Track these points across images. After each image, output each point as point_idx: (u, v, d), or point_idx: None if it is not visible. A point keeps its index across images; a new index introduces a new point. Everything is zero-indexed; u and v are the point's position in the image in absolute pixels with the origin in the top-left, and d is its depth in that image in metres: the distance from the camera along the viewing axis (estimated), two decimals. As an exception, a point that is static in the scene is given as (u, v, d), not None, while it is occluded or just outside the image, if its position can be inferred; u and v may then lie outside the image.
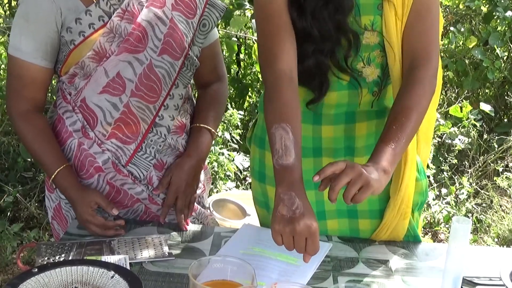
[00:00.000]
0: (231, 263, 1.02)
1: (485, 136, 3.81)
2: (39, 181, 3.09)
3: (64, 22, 1.40)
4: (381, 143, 1.21)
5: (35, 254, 1.40)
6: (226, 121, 3.36)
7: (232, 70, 4.04)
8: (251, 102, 4.03)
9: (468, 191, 3.42)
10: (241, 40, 3.93)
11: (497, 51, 3.73)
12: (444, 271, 1.16)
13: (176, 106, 1.53)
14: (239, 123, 3.49)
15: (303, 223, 1.09)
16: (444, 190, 3.48)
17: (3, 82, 3.25)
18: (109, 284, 1.12)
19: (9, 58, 1.44)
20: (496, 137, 3.72)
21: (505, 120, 4.17)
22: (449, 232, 1.20)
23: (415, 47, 1.31)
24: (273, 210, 1.13)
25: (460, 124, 3.62)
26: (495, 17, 3.83)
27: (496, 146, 3.66)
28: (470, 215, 3.31)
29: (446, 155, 3.66)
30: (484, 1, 3.89)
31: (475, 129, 3.63)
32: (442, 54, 4.00)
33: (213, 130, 1.60)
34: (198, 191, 1.63)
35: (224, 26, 3.47)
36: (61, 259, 1.27)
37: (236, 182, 3.46)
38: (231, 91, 3.82)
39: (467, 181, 3.50)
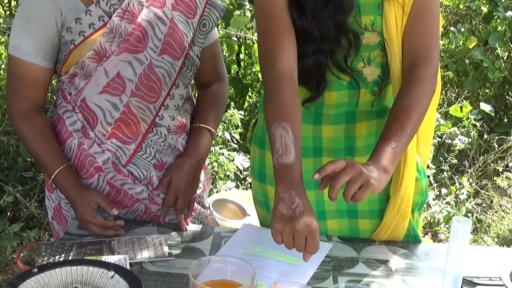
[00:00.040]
0: (231, 263, 1.02)
1: (485, 136, 3.81)
2: (39, 181, 3.09)
3: (64, 22, 1.40)
4: (381, 143, 1.21)
5: (35, 254, 1.40)
6: (226, 121, 3.36)
7: (232, 70, 4.04)
8: (251, 102, 4.03)
9: (468, 191, 3.42)
10: (241, 40, 3.93)
11: (498, 51, 3.73)
12: (444, 271, 1.16)
13: (177, 106, 1.53)
14: (239, 123, 3.49)
15: (303, 221, 1.09)
16: (444, 190, 3.48)
17: (3, 82, 3.25)
18: (109, 284, 1.12)
19: (9, 58, 1.44)
20: (496, 137, 3.72)
21: (505, 120, 4.17)
22: (449, 232, 1.20)
23: (416, 47, 1.31)
24: (273, 209, 1.13)
25: (460, 124, 3.62)
26: (495, 17, 3.83)
27: (496, 146, 3.66)
28: (470, 215, 3.31)
29: (446, 155, 3.66)
30: (484, 1, 3.89)
31: (475, 129, 3.63)
32: (442, 54, 4.00)
33: (213, 130, 1.60)
34: (198, 191, 1.63)
35: (224, 26, 3.47)
36: (61, 259, 1.27)
37: (236, 182, 3.46)
38: (231, 91, 3.82)
39: (467, 181, 3.51)
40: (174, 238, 1.43)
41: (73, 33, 1.40)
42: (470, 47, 3.95)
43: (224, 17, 2.94)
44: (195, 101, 1.68)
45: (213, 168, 3.18)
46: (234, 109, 3.53)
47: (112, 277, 1.13)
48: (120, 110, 1.45)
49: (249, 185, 3.44)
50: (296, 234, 1.10)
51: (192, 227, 1.49)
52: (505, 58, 3.98)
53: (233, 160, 3.31)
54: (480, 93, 4.30)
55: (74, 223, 1.48)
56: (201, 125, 1.59)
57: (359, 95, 1.38)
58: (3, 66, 3.63)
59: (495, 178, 3.54)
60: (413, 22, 1.30)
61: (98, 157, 1.46)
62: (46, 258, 1.28)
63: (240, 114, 3.49)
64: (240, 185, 3.49)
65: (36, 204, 3.02)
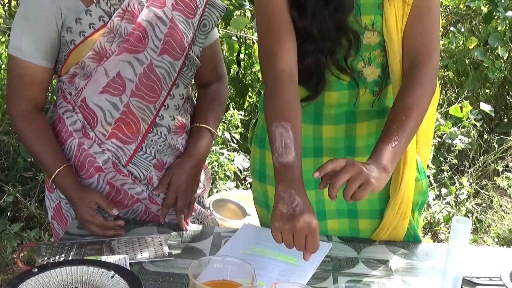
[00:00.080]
0: (231, 263, 1.02)
1: (485, 136, 3.81)
2: (39, 181, 3.09)
3: (65, 22, 1.40)
4: (381, 142, 1.22)
5: (35, 254, 1.40)
6: (226, 121, 3.36)
7: (232, 70, 4.04)
8: (251, 102, 4.03)
9: (468, 191, 3.42)
10: (241, 40, 3.93)
11: (498, 50, 3.73)
12: (444, 271, 1.16)
13: (177, 106, 1.53)
14: (239, 123, 3.49)
15: (303, 220, 1.09)
16: (444, 190, 3.48)
17: (3, 82, 3.25)
18: (109, 284, 1.12)
19: (9, 58, 1.44)
20: (496, 137, 3.72)
21: (505, 120, 4.17)
22: (449, 232, 1.20)
23: (416, 47, 1.31)
24: (273, 207, 1.13)
25: (460, 124, 3.62)
26: (495, 17, 3.83)
27: (496, 146, 3.66)
28: (470, 215, 3.31)
29: (446, 155, 3.66)
30: (484, 1, 3.89)
31: (475, 129, 3.63)
32: (442, 54, 4.00)
33: (213, 130, 1.60)
34: (198, 191, 1.63)
35: (224, 26, 3.47)
36: (61, 259, 1.27)
37: (236, 182, 3.46)
38: (231, 91, 3.82)
39: (467, 181, 3.51)
40: (174, 238, 1.43)
41: (73, 33, 1.40)
42: (470, 47, 3.95)
43: (224, 17, 2.94)
44: (195, 101, 1.68)
45: (213, 168, 3.18)
46: (234, 109, 3.53)
47: (112, 277, 1.13)
48: (120, 110, 1.45)
49: (249, 185, 3.44)
50: (296, 233, 1.10)
51: (192, 227, 1.49)
52: (505, 58, 3.98)
53: (232, 160, 3.31)
54: (480, 93, 4.30)
55: (74, 223, 1.48)
56: (201, 125, 1.59)
57: (359, 95, 1.38)
58: (3, 66, 3.63)
59: (495, 178, 3.55)
60: (413, 22, 1.30)
61: (98, 157, 1.46)
62: (46, 258, 1.28)
63: (240, 114, 3.49)
64: (240, 185, 3.49)
65: (36, 204, 3.02)
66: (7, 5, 3.68)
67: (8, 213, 3.00)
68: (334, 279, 1.26)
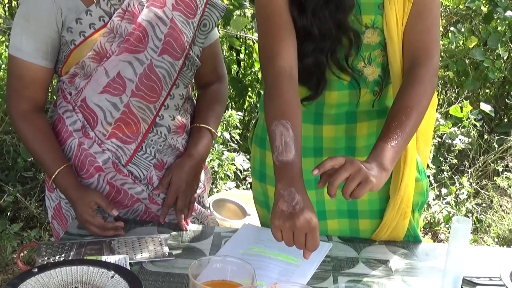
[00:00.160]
0: (231, 263, 1.02)
1: (485, 136, 3.81)
2: (39, 180, 3.09)
3: (65, 22, 1.40)
4: (381, 141, 1.22)
5: (35, 254, 1.40)
6: (225, 122, 3.36)
7: (232, 70, 4.05)
8: (251, 102, 4.03)
9: (468, 191, 3.42)
10: (241, 40, 3.93)
11: (499, 50, 3.73)
12: (444, 271, 1.16)
13: (177, 106, 1.53)
14: (238, 124, 3.49)
15: (303, 218, 1.09)
16: (444, 190, 3.48)
17: (3, 82, 3.25)
18: (109, 284, 1.12)
19: (9, 58, 1.44)
20: (496, 137, 3.72)
21: (505, 120, 4.17)
22: (449, 232, 1.20)
23: (416, 46, 1.31)
24: (273, 206, 1.13)
25: (460, 124, 3.62)
26: (495, 17, 3.83)
27: (496, 146, 3.66)
28: (470, 215, 3.31)
29: (446, 155, 3.66)
30: (484, 1, 3.89)
31: (475, 129, 3.63)
32: (442, 54, 4.00)
33: (213, 130, 1.60)
34: (198, 191, 1.63)
35: (223, 26, 3.47)
36: (61, 259, 1.27)
37: (236, 182, 3.46)
38: (231, 91, 3.83)
39: (467, 181, 3.51)
40: (174, 238, 1.43)
41: (74, 33, 1.40)
42: (470, 46, 3.95)
43: (224, 17, 2.94)
44: (195, 101, 1.68)
45: (213, 168, 3.19)
46: (232, 109, 3.53)
47: (112, 277, 1.13)
48: (121, 110, 1.45)
49: (249, 185, 3.44)
50: (296, 231, 1.10)
51: (192, 227, 1.49)
52: (505, 58, 3.98)
53: (232, 160, 3.31)
54: (480, 93, 4.30)
55: (74, 223, 1.48)
56: (201, 125, 1.59)
57: (359, 95, 1.38)
58: (3, 66, 3.63)
59: (495, 178, 3.54)
60: (414, 22, 1.31)
61: (98, 157, 1.46)
62: (46, 258, 1.28)
63: (238, 114, 3.49)
64: (240, 185, 3.49)
65: (36, 204, 3.02)
66: (7, 5, 3.68)
67: (8, 213, 3.00)
68: (334, 279, 1.26)
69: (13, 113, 1.47)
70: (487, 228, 3.22)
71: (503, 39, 3.77)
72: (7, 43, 3.36)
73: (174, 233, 1.45)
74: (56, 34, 1.41)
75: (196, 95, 1.70)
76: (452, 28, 4.02)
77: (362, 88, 1.38)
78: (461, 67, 3.96)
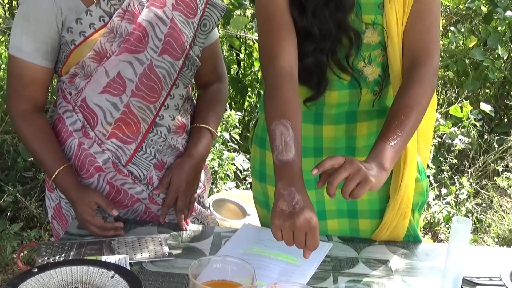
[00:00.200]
0: (231, 263, 1.02)
1: (485, 136, 3.81)
2: (39, 180, 3.09)
3: (65, 22, 1.40)
4: (380, 141, 1.22)
5: (35, 254, 1.40)
6: (224, 122, 3.36)
7: (232, 70, 4.05)
8: (251, 102, 4.03)
9: (468, 191, 3.42)
10: (241, 40, 3.93)
11: (498, 50, 3.73)
12: (444, 271, 1.16)
13: (177, 106, 1.53)
14: (238, 124, 3.49)
15: (303, 217, 1.09)
16: (444, 190, 3.48)
17: (3, 82, 3.25)
18: (109, 284, 1.12)
19: (9, 58, 1.44)
20: (496, 137, 3.72)
21: (505, 120, 4.17)
22: (449, 232, 1.20)
23: (416, 46, 1.31)
24: (273, 205, 1.13)
25: (460, 124, 3.62)
26: (495, 17, 3.83)
27: (496, 146, 3.66)
28: (470, 215, 3.31)
29: (446, 155, 3.66)
30: (484, 1, 3.89)
31: (475, 129, 3.63)
32: (442, 54, 4.00)
33: (213, 130, 1.60)
34: (198, 191, 1.63)
35: (223, 26, 3.47)
36: (61, 259, 1.27)
37: (236, 182, 3.46)
38: (231, 91, 3.83)
39: (467, 181, 3.51)
40: (174, 238, 1.43)
41: (74, 33, 1.40)
42: (470, 45, 3.95)
43: (224, 17, 2.94)
44: (195, 101, 1.68)
45: (213, 168, 3.18)
46: (231, 110, 3.53)
47: (112, 277, 1.13)
48: (121, 110, 1.45)
49: (249, 185, 3.44)
50: (296, 230, 1.10)
51: (192, 227, 1.49)
52: (505, 58, 3.98)
53: (232, 160, 3.31)
54: (480, 93, 4.30)
55: (74, 223, 1.48)
56: (201, 125, 1.59)
57: (360, 94, 1.38)
58: (3, 66, 3.64)
59: (495, 178, 3.55)
60: (414, 22, 1.31)
61: (98, 157, 1.46)
62: (46, 258, 1.28)
63: (238, 114, 3.49)
64: (240, 185, 3.49)
65: (36, 204, 3.02)
66: (7, 5, 3.69)
67: (8, 213, 3.00)
68: (334, 279, 1.26)
69: (13, 113, 1.47)
70: (487, 228, 3.22)
71: (503, 39, 3.77)
72: (7, 43, 3.36)
73: (174, 233, 1.45)
74: (56, 34, 1.41)
75: (196, 95, 1.69)
76: (452, 28, 4.02)
77: (363, 88, 1.38)
78: (461, 67, 3.96)
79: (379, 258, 1.36)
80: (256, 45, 3.93)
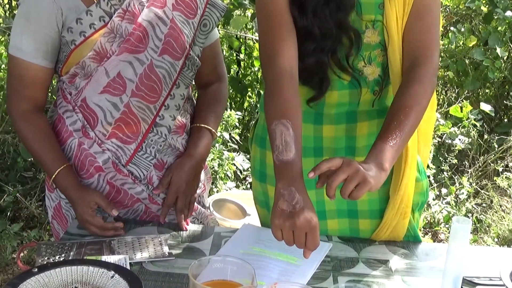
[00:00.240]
0: (231, 263, 1.02)
1: (485, 136, 3.81)
2: (39, 180, 3.09)
3: (65, 22, 1.40)
4: (379, 141, 1.22)
5: (35, 254, 1.40)
6: (224, 122, 3.36)
7: (232, 70, 4.05)
8: (251, 102, 4.03)
9: (468, 191, 3.42)
10: (241, 40, 3.93)
11: (498, 51, 3.73)
12: (444, 271, 1.16)
13: (177, 106, 1.53)
14: (238, 124, 3.49)
15: (303, 217, 1.09)
16: (444, 190, 3.48)
17: (3, 82, 3.25)
18: (109, 284, 1.12)
19: (9, 58, 1.44)
20: (496, 137, 3.72)
21: (505, 120, 4.17)
22: (449, 232, 1.20)
23: (416, 46, 1.31)
24: (273, 205, 1.13)
25: (460, 124, 3.62)
26: (495, 17, 3.83)
27: (496, 146, 3.66)
28: (470, 215, 3.31)
29: (446, 155, 3.66)
30: (484, 1, 3.89)
31: (475, 129, 3.63)
32: (442, 54, 4.00)
33: (213, 130, 1.60)
34: (199, 191, 1.63)
35: (223, 25, 3.47)
36: (61, 259, 1.27)
37: (236, 182, 3.46)
38: (231, 91, 3.83)
39: (467, 181, 3.51)
40: (174, 238, 1.43)
41: (74, 33, 1.40)
42: (470, 45, 3.95)
43: (224, 16, 2.94)
44: (195, 101, 1.68)
45: (213, 168, 3.18)
46: (231, 110, 3.53)
47: (112, 277, 1.13)
48: (121, 110, 1.45)
49: (249, 185, 3.45)
50: (296, 230, 1.10)
51: (192, 227, 1.49)
52: (505, 58, 3.98)
53: (232, 160, 3.31)
54: (480, 93, 4.30)
55: (74, 223, 1.48)
56: (202, 125, 1.59)
57: (360, 94, 1.39)
58: (3, 66, 3.64)
59: (495, 178, 3.55)
60: (414, 21, 1.31)
61: (98, 157, 1.46)
62: (46, 258, 1.28)
63: (238, 114, 3.49)
64: (240, 185, 3.49)
65: (36, 204, 3.03)
66: (7, 5, 3.69)
67: (8, 213, 3.00)
68: (334, 279, 1.26)
69: (13, 113, 1.47)
70: (487, 228, 3.22)
71: (503, 39, 3.77)
72: (7, 43, 3.36)
73: (174, 233, 1.45)
74: (56, 34, 1.41)
75: (196, 95, 1.69)
76: (452, 28, 4.02)
77: (362, 87, 1.38)
78: (461, 67, 3.96)
79: (379, 258, 1.36)
80: (256, 45, 3.93)
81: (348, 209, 1.46)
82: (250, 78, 3.99)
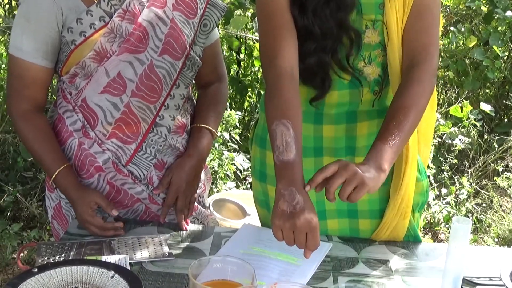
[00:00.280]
0: (231, 263, 1.02)
1: (485, 136, 3.81)
2: (39, 180, 3.09)
3: (65, 22, 1.40)
4: (378, 141, 1.22)
5: (35, 254, 1.40)
6: (224, 122, 3.36)
7: (232, 70, 4.05)
8: (251, 102, 4.03)
9: (468, 191, 3.42)
10: (241, 40, 3.93)
11: (497, 50, 3.73)
12: (444, 271, 1.16)
13: (177, 106, 1.53)
14: (238, 124, 3.49)
15: (304, 217, 1.09)
16: (444, 190, 3.48)
17: (3, 82, 3.25)
18: (109, 284, 1.12)
19: (10, 58, 1.44)
20: (496, 137, 3.72)
21: (505, 120, 4.17)
22: (449, 232, 1.20)
23: (415, 46, 1.31)
24: (273, 205, 1.13)
25: (460, 124, 3.62)
26: (495, 17, 3.83)
27: (496, 146, 3.66)
28: (470, 215, 3.31)
29: (446, 155, 3.66)
30: (484, 1, 3.89)
31: (475, 129, 3.63)
32: (442, 54, 4.00)
33: (213, 130, 1.60)
34: (199, 191, 1.63)
35: (223, 25, 3.47)
36: (61, 259, 1.27)
37: (236, 182, 3.46)
38: (231, 91, 3.83)
39: (467, 181, 3.51)
40: (174, 238, 1.43)
41: (74, 33, 1.40)
42: (470, 45, 3.95)
43: (224, 16, 2.94)
44: (195, 101, 1.68)
45: (213, 168, 3.18)
46: (231, 110, 3.53)
47: (112, 277, 1.13)
48: (121, 110, 1.45)
49: (249, 185, 3.45)
50: (296, 230, 1.10)
51: (192, 227, 1.49)
52: (505, 58, 3.98)
53: (232, 160, 3.31)
54: (480, 93, 4.30)
55: (74, 223, 1.48)
56: (202, 125, 1.59)
57: (360, 94, 1.38)
58: (3, 66, 3.64)
59: (495, 178, 3.54)
60: (413, 21, 1.31)
61: (99, 156, 1.46)
62: (46, 258, 1.28)
63: (238, 114, 3.49)
64: (240, 185, 3.49)
65: (36, 204, 3.03)
66: (7, 5, 3.69)
67: (8, 213, 3.00)
68: (334, 279, 1.26)
69: (13, 113, 1.47)
70: (487, 228, 3.22)
71: (504, 39, 3.77)
72: (7, 43, 3.36)
73: (174, 233, 1.45)
74: (57, 34, 1.41)
75: (196, 95, 1.69)
76: (452, 28, 4.02)
77: (363, 87, 1.38)
78: (461, 67, 3.96)
79: (379, 258, 1.36)
80: (256, 45, 3.93)
81: (348, 209, 1.46)
82: (250, 78, 3.99)
